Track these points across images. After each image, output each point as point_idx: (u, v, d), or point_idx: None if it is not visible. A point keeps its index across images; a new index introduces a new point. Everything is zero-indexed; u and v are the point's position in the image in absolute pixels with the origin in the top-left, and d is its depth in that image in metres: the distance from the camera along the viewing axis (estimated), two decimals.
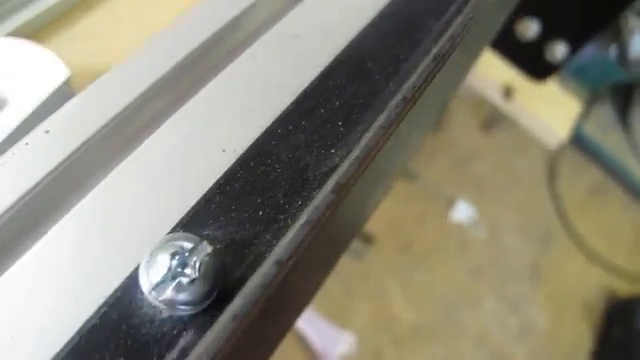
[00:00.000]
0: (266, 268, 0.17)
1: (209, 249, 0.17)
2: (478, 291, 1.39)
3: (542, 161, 1.63)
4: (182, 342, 0.16)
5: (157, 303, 0.17)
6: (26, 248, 0.18)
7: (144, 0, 0.34)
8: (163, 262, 0.16)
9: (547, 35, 0.57)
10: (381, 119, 0.22)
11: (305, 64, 0.25)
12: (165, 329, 0.16)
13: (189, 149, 0.21)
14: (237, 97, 0.24)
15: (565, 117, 0.97)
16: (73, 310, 0.17)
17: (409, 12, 0.27)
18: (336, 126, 0.22)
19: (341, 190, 0.19)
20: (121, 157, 0.21)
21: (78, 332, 0.16)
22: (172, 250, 0.17)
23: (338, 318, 1.20)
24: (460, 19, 0.25)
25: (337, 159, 0.21)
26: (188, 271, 0.17)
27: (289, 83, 0.24)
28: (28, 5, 0.29)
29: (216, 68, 0.26)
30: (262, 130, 0.22)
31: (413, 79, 0.23)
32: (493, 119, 1.59)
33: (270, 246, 0.18)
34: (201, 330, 0.16)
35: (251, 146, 0.22)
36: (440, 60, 0.24)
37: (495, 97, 0.95)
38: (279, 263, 0.17)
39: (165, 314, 0.17)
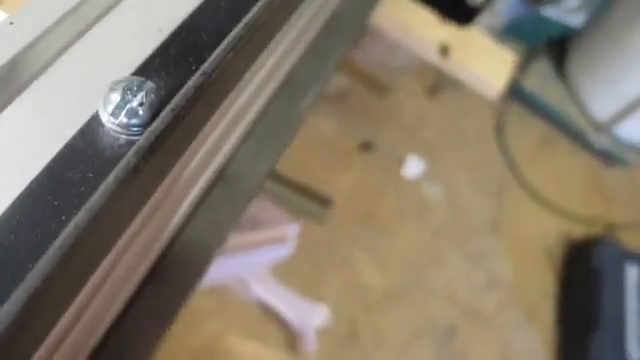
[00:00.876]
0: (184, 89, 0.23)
1: (152, 85, 0.21)
2: (442, 250, 1.43)
3: (489, 119, 1.68)
4: (134, 156, 0.20)
5: (114, 128, 0.21)
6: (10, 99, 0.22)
7: None
8: (116, 96, 0.20)
9: None
10: None
11: None
12: (122, 150, 0.20)
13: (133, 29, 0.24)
14: None
15: (501, 69, 1.00)
16: (50, 146, 0.21)
17: None
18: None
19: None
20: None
21: (53, 159, 0.18)
22: (124, 85, 0.20)
23: (309, 292, 1.22)
24: None
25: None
26: (137, 100, 0.20)
27: None
28: None
29: None
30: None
31: None
32: (438, 84, 1.63)
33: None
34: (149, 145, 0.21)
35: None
36: None
37: (432, 56, 0.98)
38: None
39: (122, 140, 0.21)
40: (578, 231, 1.56)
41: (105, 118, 0.21)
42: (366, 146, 1.47)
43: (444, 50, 0.97)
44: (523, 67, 1.72)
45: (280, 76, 0.32)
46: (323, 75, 0.38)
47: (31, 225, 0.19)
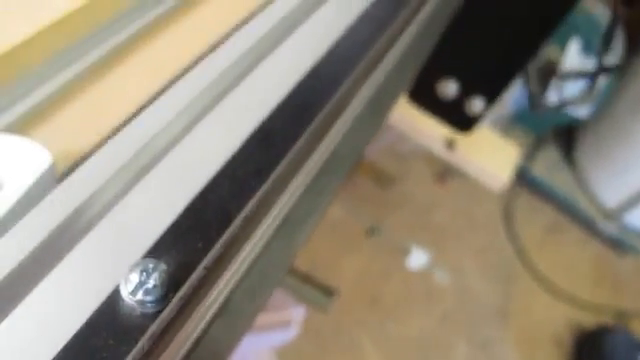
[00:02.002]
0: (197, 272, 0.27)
1: (164, 266, 0.26)
2: (448, 337, 1.42)
3: (497, 206, 1.70)
4: (151, 327, 0.25)
5: (132, 303, 0.25)
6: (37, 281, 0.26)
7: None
8: (135, 277, 0.25)
9: (465, 92, 0.64)
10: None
11: None
12: (139, 321, 0.25)
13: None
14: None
15: (505, 162, 1.04)
16: (76, 316, 0.25)
17: None
18: None
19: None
20: None
21: (81, 327, 0.25)
22: (141, 268, 0.26)
23: None
24: None
25: None
26: (152, 281, 0.25)
27: None
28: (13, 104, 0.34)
29: None
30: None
31: None
32: (446, 170, 1.67)
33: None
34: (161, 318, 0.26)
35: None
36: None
37: (439, 149, 1.02)
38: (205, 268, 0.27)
39: (138, 312, 0.25)
40: (588, 320, 1.55)
41: (125, 295, 0.26)
42: (373, 231, 1.50)
43: (450, 144, 1.01)
44: (531, 155, 1.75)
45: (277, 221, 0.36)
46: (319, 210, 0.41)
47: None
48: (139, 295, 0.25)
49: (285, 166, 0.32)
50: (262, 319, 1.14)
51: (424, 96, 0.65)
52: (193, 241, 0.28)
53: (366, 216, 1.52)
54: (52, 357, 0.24)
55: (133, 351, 0.24)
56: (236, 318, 0.36)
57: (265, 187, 0.30)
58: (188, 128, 0.32)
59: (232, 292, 0.33)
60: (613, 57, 0.89)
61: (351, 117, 0.42)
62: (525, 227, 1.68)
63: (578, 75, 1.19)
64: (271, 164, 0.31)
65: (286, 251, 0.40)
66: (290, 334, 1.15)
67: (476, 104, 0.63)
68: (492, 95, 0.62)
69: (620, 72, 1.60)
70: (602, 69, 0.83)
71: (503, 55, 0.60)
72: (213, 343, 0.34)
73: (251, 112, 0.33)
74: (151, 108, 0.32)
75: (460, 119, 0.64)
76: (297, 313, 1.19)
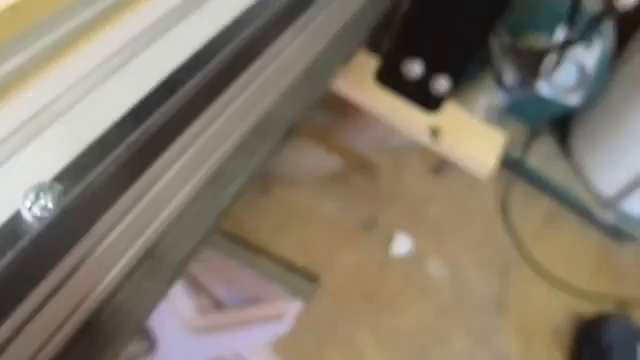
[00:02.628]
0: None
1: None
2: (446, 329, 1.42)
3: (493, 197, 1.70)
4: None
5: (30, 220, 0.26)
6: None
7: None
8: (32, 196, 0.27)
9: (430, 72, 0.65)
10: None
11: None
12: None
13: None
14: None
15: (491, 148, 1.04)
16: None
17: None
18: None
19: None
20: None
21: None
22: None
23: None
24: None
25: None
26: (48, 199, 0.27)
27: None
28: None
29: None
30: None
31: None
32: (442, 163, 1.67)
33: None
34: None
35: None
36: None
37: (424, 138, 1.03)
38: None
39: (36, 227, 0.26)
40: (587, 309, 1.54)
41: (25, 213, 0.27)
42: (368, 226, 1.50)
43: (434, 132, 1.02)
44: (527, 145, 1.75)
45: (206, 169, 0.37)
46: (248, 171, 0.42)
47: None
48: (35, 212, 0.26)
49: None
50: (255, 312, 1.15)
51: (390, 77, 0.66)
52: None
53: (361, 211, 1.52)
54: None
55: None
56: (163, 265, 0.37)
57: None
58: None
59: (157, 239, 0.34)
60: (577, 32, 0.89)
61: (282, 85, 0.44)
62: (522, 218, 1.68)
63: (545, 51, 1.20)
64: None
65: (215, 204, 0.41)
66: (282, 328, 1.16)
67: (441, 83, 0.64)
68: (456, 74, 0.63)
69: (613, 60, 1.60)
70: (567, 42, 0.85)
71: (464, 34, 0.61)
72: (137, 287, 0.35)
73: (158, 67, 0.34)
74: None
75: (426, 99, 0.65)
76: (292, 307, 1.20)
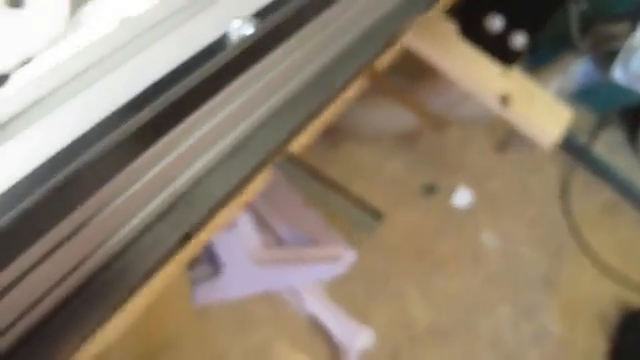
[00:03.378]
0: None
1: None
2: (492, 297, 1.46)
3: (555, 180, 1.72)
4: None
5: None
6: None
7: None
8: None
9: (509, 27, 0.69)
10: None
11: None
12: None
13: None
14: None
15: (558, 120, 1.07)
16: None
17: None
18: None
19: None
20: None
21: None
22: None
23: (357, 314, 1.29)
24: None
25: None
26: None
27: None
28: None
29: None
30: None
31: None
32: (507, 140, 1.70)
33: None
34: None
35: None
36: None
37: (495, 106, 1.07)
38: None
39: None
40: (635, 300, 1.55)
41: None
42: (429, 189, 1.55)
43: (504, 100, 1.05)
44: (594, 133, 1.75)
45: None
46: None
47: None
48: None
49: None
50: (314, 251, 1.22)
51: (473, 30, 0.70)
52: None
53: (424, 175, 1.57)
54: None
55: None
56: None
57: None
58: None
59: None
60: None
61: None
62: (580, 204, 1.69)
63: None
64: None
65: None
66: (338, 270, 1.22)
67: (519, 39, 0.68)
68: (533, 30, 0.67)
69: None
70: None
71: None
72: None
73: None
74: None
75: (504, 53, 0.69)
76: (348, 254, 1.26)
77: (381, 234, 1.42)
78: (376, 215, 1.12)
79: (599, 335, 1.49)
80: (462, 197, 1.52)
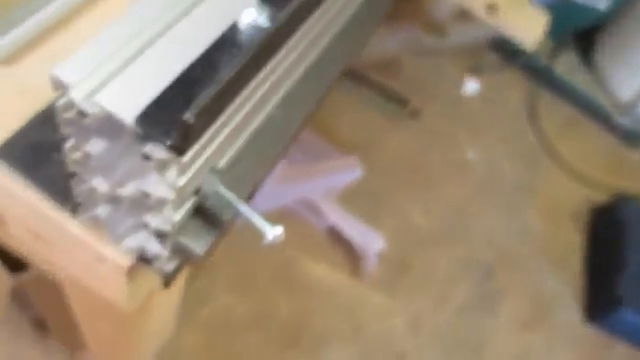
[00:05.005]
0: None
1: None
2: (481, 204, 1.61)
3: (522, 102, 1.88)
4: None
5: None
6: None
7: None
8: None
9: None
10: None
11: None
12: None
13: None
14: None
15: (537, 23, 1.21)
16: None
17: None
18: None
19: None
20: None
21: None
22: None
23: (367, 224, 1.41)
24: None
25: None
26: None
27: None
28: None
29: None
30: None
31: None
32: (478, 66, 1.85)
33: None
34: None
35: None
36: None
37: (481, 13, 1.19)
38: None
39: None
40: (602, 198, 1.73)
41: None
42: (414, 113, 1.67)
43: (491, 7, 1.18)
44: (553, 55, 1.92)
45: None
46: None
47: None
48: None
49: None
50: (322, 167, 1.32)
51: None
52: None
53: (407, 99, 1.69)
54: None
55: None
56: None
57: None
58: None
59: None
60: None
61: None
62: (547, 120, 1.86)
63: None
64: None
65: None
66: (351, 176, 1.34)
67: None
68: None
69: None
70: None
71: None
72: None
73: None
74: None
75: None
76: (356, 164, 1.38)
77: (376, 156, 1.55)
78: (404, 103, 1.22)
79: (575, 230, 1.67)
80: (470, 86, 1.67)
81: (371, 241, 1.35)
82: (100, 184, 0.36)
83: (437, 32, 1.66)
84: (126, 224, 0.39)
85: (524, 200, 1.67)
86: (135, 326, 0.63)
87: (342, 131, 1.56)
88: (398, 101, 1.20)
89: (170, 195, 0.35)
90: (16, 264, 0.88)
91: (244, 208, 0.38)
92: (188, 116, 0.29)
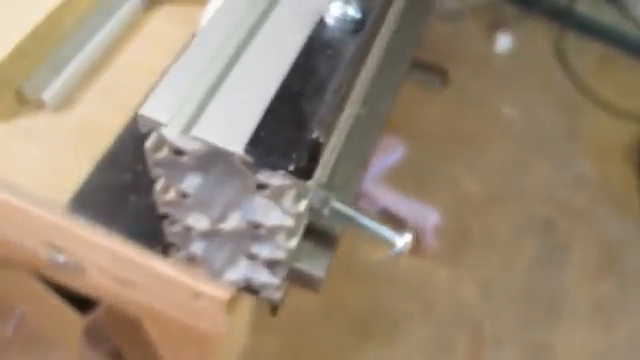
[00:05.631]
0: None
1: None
2: (529, 159, 1.58)
3: (549, 48, 1.83)
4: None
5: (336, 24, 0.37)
6: None
7: None
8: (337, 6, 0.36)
9: None
10: None
11: None
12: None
13: None
14: None
15: None
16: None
17: None
18: None
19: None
20: None
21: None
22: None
23: (418, 200, 1.39)
24: None
25: None
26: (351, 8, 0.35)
27: None
28: None
29: None
30: None
31: None
32: (497, 22, 1.80)
33: None
34: None
35: None
36: None
37: None
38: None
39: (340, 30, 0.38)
40: None
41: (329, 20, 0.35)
42: (445, 81, 1.64)
43: None
44: None
45: None
46: None
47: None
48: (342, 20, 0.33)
49: None
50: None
51: None
52: None
53: (436, 66, 1.66)
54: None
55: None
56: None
57: None
58: None
59: None
60: None
61: None
62: (579, 62, 1.81)
63: None
64: None
65: None
66: (395, 157, 1.32)
67: None
68: None
69: None
70: None
71: None
72: None
73: None
74: None
75: None
76: (398, 143, 1.35)
77: (416, 130, 1.52)
78: (441, 72, 1.19)
79: (628, 168, 1.62)
80: (503, 41, 1.64)
81: (426, 216, 1.33)
82: (198, 221, 0.34)
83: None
84: (225, 256, 0.37)
85: (572, 148, 1.63)
86: (222, 346, 0.62)
87: None
88: (434, 71, 1.18)
89: (287, 222, 0.33)
90: (84, 301, 0.88)
91: (366, 221, 0.36)
92: (317, 134, 0.27)
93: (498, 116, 1.64)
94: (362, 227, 0.37)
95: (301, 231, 0.36)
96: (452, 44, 1.75)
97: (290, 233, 0.34)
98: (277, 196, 0.31)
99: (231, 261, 0.38)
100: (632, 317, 1.37)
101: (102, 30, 0.52)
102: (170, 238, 0.37)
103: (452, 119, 1.61)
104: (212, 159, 0.30)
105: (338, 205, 0.36)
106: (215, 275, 0.38)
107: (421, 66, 1.14)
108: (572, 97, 1.74)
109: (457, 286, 1.35)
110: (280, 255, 0.35)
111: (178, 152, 0.29)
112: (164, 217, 0.35)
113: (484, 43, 1.80)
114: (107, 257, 0.42)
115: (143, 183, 0.41)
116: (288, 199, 0.32)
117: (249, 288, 0.39)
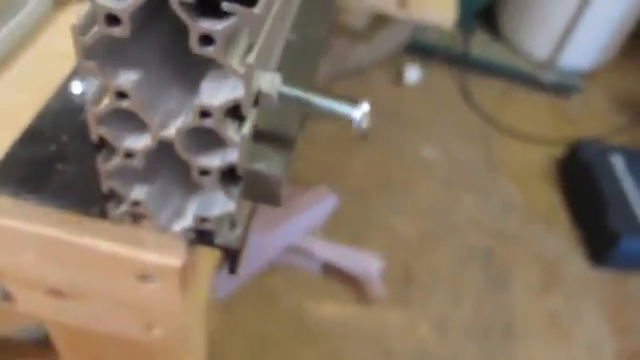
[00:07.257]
0: None
1: None
2: (455, 194, 1.62)
3: (454, 90, 1.93)
4: None
5: None
6: None
7: None
8: None
9: None
10: None
11: None
12: None
13: None
14: None
15: (447, 4, 1.25)
16: None
17: None
18: None
19: None
20: None
21: None
22: None
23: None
24: None
25: None
26: None
27: None
28: None
29: None
30: None
31: None
32: (400, 71, 1.89)
33: None
34: None
35: None
36: None
37: (392, 9, 1.23)
38: None
39: None
40: (559, 151, 1.77)
41: None
42: (363, 136, 1.68)
43: (402, 3, 1.22)
44: (466, 41, 1.98)
45: None
46: None
47: None
48: None
49: None
50: (299, 200, 1.30)
51: None
52: None
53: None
54: None
55: None
56: None
57: None
58: None
59: None
60: None
61: None
62: (483, 98, 1.90)
63: None
64: None
65: None
66: (328, 208, 1.32)
67: None
68: None
69: None
70: None
71: None
72: None
73: None
74: None
75: None
76: (330, 194, 1.36)
77: (344, 183, 1.54)
78: (353, 102, 1.22)
79: (549, 186, 1.69)
80: (412, 73, 1.70)
81: (369, 264, 1.33)
82: (139, 140, 0.31)
83: (363, 39, 1.70)
84: (171, 201, 0.35)
85: (493, 177, 1.69)
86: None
87: (299, 169, 1.55)
88: (347, 100, 1.21)
89: (238, 93, 0.29)
90: None
91: (318, 99, 0.34)
92: None
93: (419, 158, 1.69)
94: (315, 107, 0.34)
95: (254, 115, 0.32)
96: (365, 96, 1.81)
97: (243, 110, 0.30)
98: (225, 50, 0.27)
99: (179, 207, 0.35)
100: (585, 325, 1.39)
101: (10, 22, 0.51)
102: (107, 183, 0.34)
103: (378, 167, 1.64)
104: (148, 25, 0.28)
105: (286, 88, 0.34)
106: (163, 226, 0.35)
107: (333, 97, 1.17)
108: (483, 130, 1.82)
109: (412, 328, 1.34)
110: (233, 156, 0.31)
111: (111, 18, 0.26)
112: (100, 147, 0.31)
113: (392, 92, 1.87)
114: (33, 253, 0.38)
115: (70, 152, 0.38)
116: (236, 55, 0.28)
117: (202, 238, 0.37)
